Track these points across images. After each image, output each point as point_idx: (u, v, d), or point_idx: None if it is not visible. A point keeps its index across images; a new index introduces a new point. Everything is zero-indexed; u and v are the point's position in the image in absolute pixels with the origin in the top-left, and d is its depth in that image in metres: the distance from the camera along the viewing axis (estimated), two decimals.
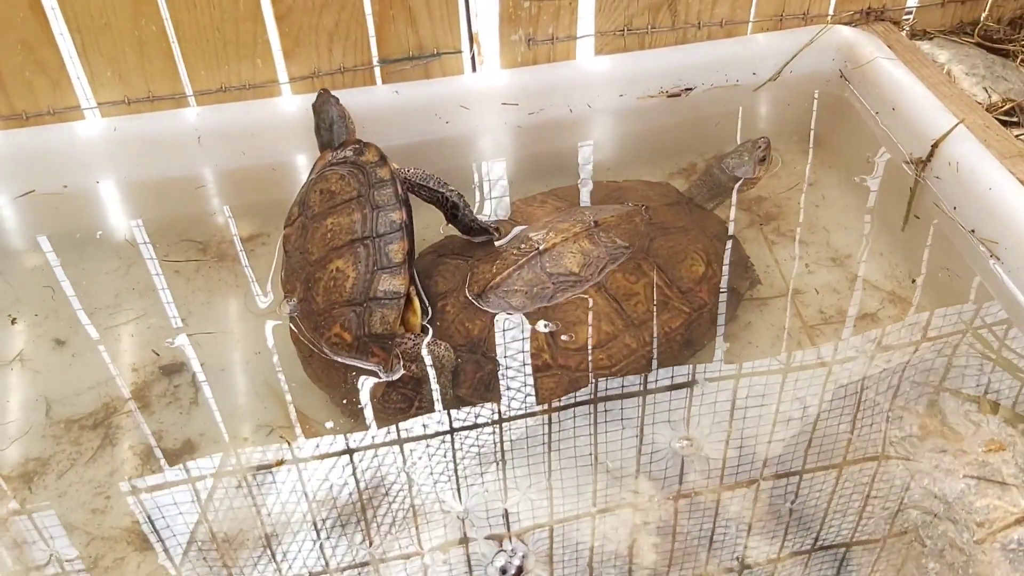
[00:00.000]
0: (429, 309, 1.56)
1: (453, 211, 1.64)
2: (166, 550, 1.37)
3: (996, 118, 1.87)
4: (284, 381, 1.59)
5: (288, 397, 1.57)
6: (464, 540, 1.35)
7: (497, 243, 1.65)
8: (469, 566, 1.32)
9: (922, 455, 1.35)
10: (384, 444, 1.48)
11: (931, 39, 2.14)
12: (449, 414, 1.49)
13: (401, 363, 1.48)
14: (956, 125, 1.75)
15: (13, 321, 1.70)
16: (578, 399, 1.49)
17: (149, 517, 1.41)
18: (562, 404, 1.49)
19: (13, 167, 1.88)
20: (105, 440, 1.52)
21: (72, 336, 1.68)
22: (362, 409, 1.51)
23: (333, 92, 1.80)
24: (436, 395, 1.49)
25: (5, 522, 1.40)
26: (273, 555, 1.35)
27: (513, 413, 1.48)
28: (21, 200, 1.90)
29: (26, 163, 1.88)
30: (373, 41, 1.94)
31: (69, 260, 1.83)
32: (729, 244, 1.74)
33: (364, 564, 1.33)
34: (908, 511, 1.30)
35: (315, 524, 1.38)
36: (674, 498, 1.39)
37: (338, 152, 1.66)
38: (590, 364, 1.50)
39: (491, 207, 1.91)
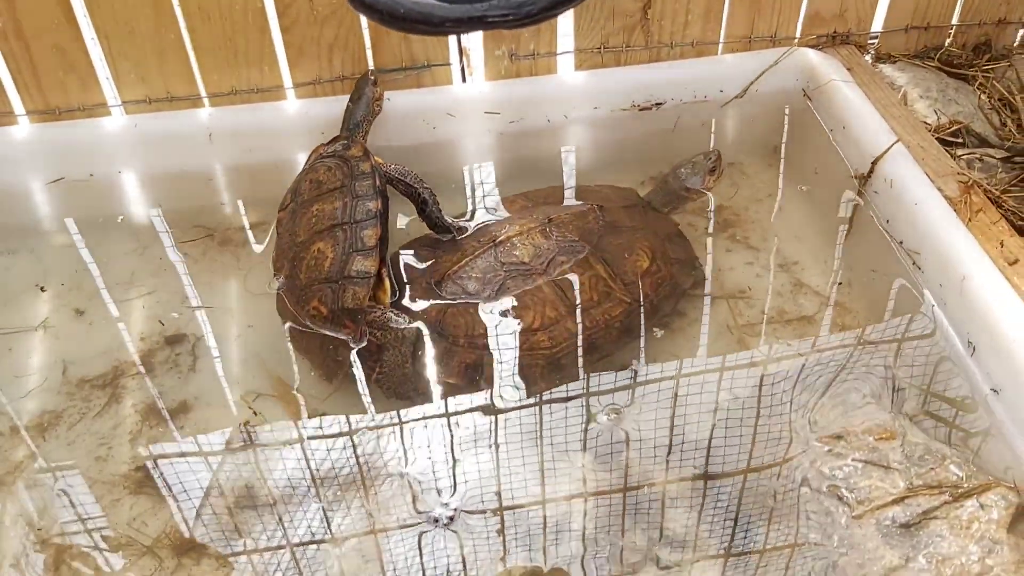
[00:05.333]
0: (397, 289, 1.75)
1: (423, 206, 1.83)
2: (156, 494, 1.56)
3: (941, 139, 1.99)
4: (271, 353, 1.78)
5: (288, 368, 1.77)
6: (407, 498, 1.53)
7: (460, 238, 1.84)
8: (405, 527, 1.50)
9: (819, 440, 1.50)
10: (353, 431, 1.67)
11: (895, 62, 2.26)
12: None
13: (368, 332, 1.67)
14: (893, 144, 1.88)
15: (42, 289, 1.92)
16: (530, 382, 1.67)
17: (144, 466, 1.60)
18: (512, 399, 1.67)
19: (46, 156, 2.08)
20: (111, 398, 1.71)
21: (91, 307, 1.88)
22: (333, 374, 1.70)
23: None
24: (396, 364, 1.67)
25: (20, 465, 1.61)
26: (244, 504, 1.54)
27: (461, 389, 1.67)
28: (52, 186, 2.10)
29: (57, 153, 2.08)
30: (369, 52, 2.11)
31: (92, 240, 2.03)
32: (679, 243, 1.90)
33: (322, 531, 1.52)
34: (799, 488, 1.45)
35: (296, 481, 1.57)
36: (604, 470, 1.55)
37: (329, 146, 1.87)
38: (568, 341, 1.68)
39: (474, 204, 2.07)
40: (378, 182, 1.75)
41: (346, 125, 1.94)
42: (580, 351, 1.69)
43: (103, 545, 1.50)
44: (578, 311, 1.70)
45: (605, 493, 1.52)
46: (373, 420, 1.65)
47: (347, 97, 2.00)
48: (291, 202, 1.83)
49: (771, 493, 1.48)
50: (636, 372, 1.69)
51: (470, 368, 1.66)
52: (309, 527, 1.50)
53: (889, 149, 1.89)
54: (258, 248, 2.00)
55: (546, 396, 1.66)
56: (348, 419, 1.65)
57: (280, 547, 1.48)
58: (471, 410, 1.64)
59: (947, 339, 1.67)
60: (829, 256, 1.94)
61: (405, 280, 1.78)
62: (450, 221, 1.85)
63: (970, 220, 1.73)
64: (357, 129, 1.93)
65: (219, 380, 1.75)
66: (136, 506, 1.55)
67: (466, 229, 1.86)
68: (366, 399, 1.69)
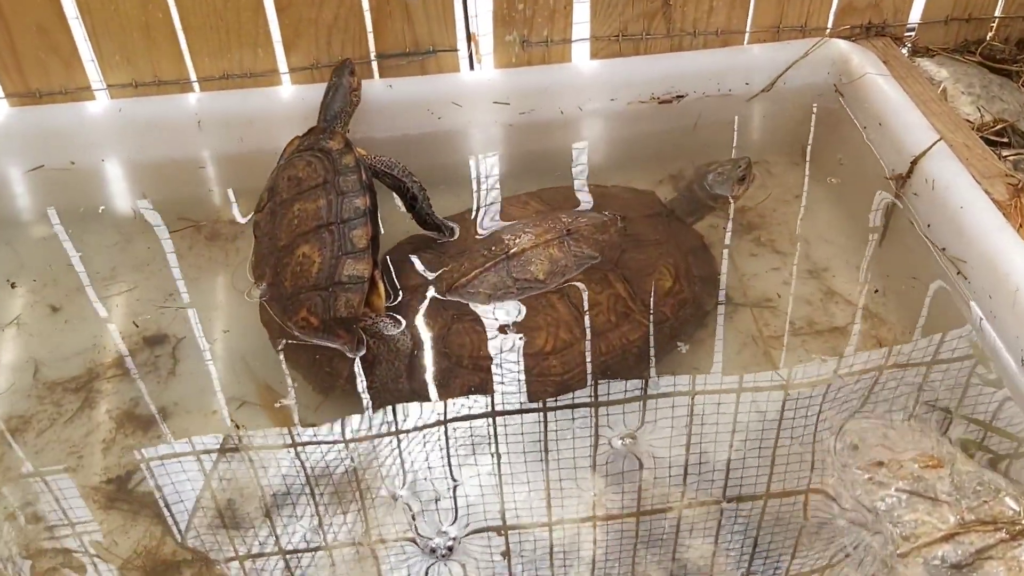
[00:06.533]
0: (392, 294, 1.62)
1: (412, 201, 1.71)
2: (130, 509, 1.44)
3: (986, 138, 1.86)
4: (258, 358, 1.65)
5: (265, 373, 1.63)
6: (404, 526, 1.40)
7: (454, 239, 1.72)
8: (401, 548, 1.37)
9: (858, 466, 1.36)
10: (347, 440, 1.54)
11: (933, 56, 2.13)
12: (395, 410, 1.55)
13: (365, 341, 1.54)
14: (936, 142, 1.75)
15: (13, 285, 1.80)
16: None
17: (117, 477, 1.48)
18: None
19: (25, 142, 1.98)
20: (85, 403, 1.60)
21: (67, 304, 1.77)
22: (329, 387, 1.58)
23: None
24: (389, 379, 1.54)
25: None
26: (225, 524, 1.42)
27: (463, 412, 1.54)
28: (31, 174, 2.00)
29: (37, 139, 1.98)
30: (371, 35, 2.00)
31: (72, 233, 1.92)
32: (703, 258, 1.77)
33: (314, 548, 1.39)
34: (836, 521, 1.32)
35: (284, 497, 1.45)
36: (616, 496, 1.42)
37: (306, 139, 1.73)
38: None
39: (479, 202, 1.95)
40: (364, 176, 1.63)
41: (323, 116, 1.82)
42: (594, 377, 1.55)
43: (69, 565, 1.38)
44: (595, 334, 1.56)
45: (617, 517, 1.39)
46: (368, 434, 1.52)
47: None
48: (268, 202, 1.70)
49: (803, 525, 1.34)
50: (646, 386, 1.56)
51: (473, 392, 1.53)
52: (295, 549, 1.38)
53: (931, 148, 1.76)
54: (249, 244, 1.87)
55: (555, 415, 1.52)
56: (342, 432, 1.53)
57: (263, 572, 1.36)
58: (472, 426, 1.51)
59: (997, 357, 1.54)
60: (862, 263, 1.80)
61: (403, 286, 1.65)
62: (441, 220, 1.73)
63: (1021, 226, 1.59)
64: (335, 121, 1.80)
65: (202, 385, 1.63)
66: (107, 522, 1.43)
67: (455, 230, 1.75)
68: (361, 410, 1.55)
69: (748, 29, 2.11)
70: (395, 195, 1.77)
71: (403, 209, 1.78)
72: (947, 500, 1.29)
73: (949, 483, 1.31)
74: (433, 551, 1.33)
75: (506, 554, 1.34)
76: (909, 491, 1.31)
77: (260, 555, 1.37)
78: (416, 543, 1.36)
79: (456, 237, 1.74)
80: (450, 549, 1.33)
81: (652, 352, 1.60)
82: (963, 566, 1.23)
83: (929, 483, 1.32)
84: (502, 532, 1.37)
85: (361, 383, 1.55)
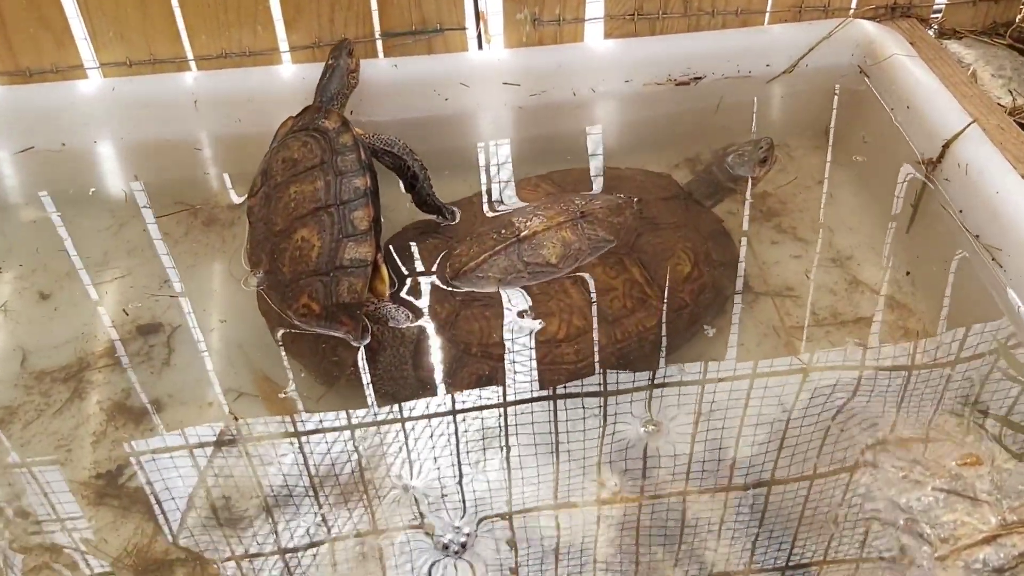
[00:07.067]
0: (396, 280, 1.55)
1: (412, 181, 1.65)
2: (120, 505, 1.38)
3: (1018, 122, 1.78)
4: (257, 348, 1.58)
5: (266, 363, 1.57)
6: (413, 518, 1.33)
7: (460, 224, 1.66)
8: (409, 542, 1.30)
9: (891, 464, 1.29)
10: (341, 427, 1.47)
11: (960, 39, 2.05)
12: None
13: (370, 328, 1.48)
14: (968, 125, 1.67)
15: None
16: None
17: (107, 472, 1.42)
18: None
19: (14, 123, 1.92)
20: (74, 394, 1.54)
21: (57, 290, 1.71)
22: (335, 377, 1.51)
23: None
24: (393, 366, 1.48)
25: None
26: (220, 521, 1.35)
27: (472, 403, 1.47)
28: (20, 156, 1.94)
29: (27, 120, 1.92)
30: (375, 13, 1.93)
31: (64, 216, 1.86)
32: (723, 242, 1.69)
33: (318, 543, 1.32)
34: (869, 521, 1.24)
35: (280, 494, 1.38)
36: (638, 492, 1.35)
37: (300, 119, 1.67)
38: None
39: (487, 186, 1.88)
40: (363, 155, 1.56)
41: (319, 98, 1.75)
42: (608, 365, 1.48)
43: (56, 562, 1.32)
44: (610, 320, 1.49)
45: (631, 500, 1.32)
46: (374, 424, 1.45)
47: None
48: (262, 186, 1.63)
49: (833, 525, 1.27)
50: (653, 376, 1.49)
51: (482, 381, 1.46)
52: (297, 547, 1.31)
53: (963, 131, 1.69)
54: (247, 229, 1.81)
55: (573, 403, 1.45)
56: (348, 421, 1.46)
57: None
58: (482, 417, 1.44)
59: None
60: (889, 250, 1.73)
61: (408, 272, 1.59)
62: (441, 201, 1.67)
63: None
64: (331, 103, 1.74)
65: (197, 376, 1.56)
66: (96, 518, 1.37)
67: (456, 213, 1.69)
68: (365, 400, 1.49)
69: (768, 9, 2.05)
70: (396, 178, 1.71)
71: (403, 190, 1.72)
72: (987, 500, 1.22)
73: (989, 482, 1.24)
74: (446, 547, 1.26)
75: (512, 543, 1.27)
76: (947, 490, 1.23)
77: (258, 555, 1.30)
78: (430, 536, 1.29)
79: (457, 221, 1.69)
80: (463, 546, 1.26)
81: (672, 340, 1.53)
82: (1006, 570, 1.16)
83: (967, 481, 1.24)
84: (509, 519, 1.31)
85: (366, 372, 1.48)
